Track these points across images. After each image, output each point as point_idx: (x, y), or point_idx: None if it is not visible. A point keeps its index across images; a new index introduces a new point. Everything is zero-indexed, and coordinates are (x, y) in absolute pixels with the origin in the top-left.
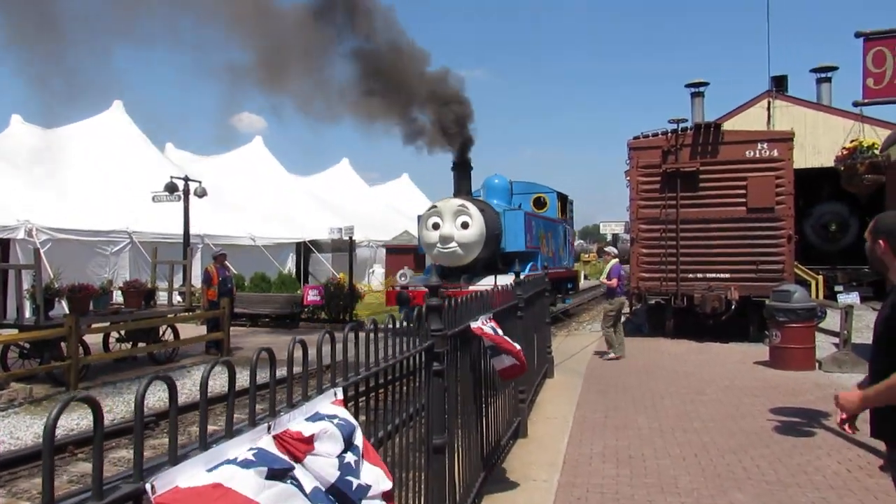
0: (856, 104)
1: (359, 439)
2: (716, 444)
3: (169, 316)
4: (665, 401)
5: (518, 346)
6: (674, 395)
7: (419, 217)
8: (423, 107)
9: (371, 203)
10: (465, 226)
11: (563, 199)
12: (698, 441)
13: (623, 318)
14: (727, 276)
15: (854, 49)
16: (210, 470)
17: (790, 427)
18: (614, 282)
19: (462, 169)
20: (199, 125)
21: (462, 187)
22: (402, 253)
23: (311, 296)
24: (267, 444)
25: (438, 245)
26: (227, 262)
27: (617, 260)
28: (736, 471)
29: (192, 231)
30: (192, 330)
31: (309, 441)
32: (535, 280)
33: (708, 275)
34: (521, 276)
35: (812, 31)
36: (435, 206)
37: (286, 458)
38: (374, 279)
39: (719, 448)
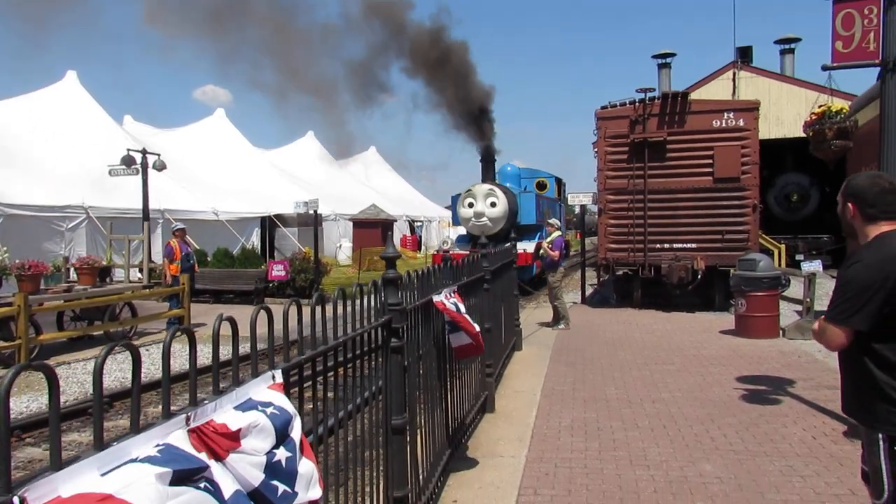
0: (824, 68)
1: (296, 431)
2: (684, 414)
3: (126, 293)
4: (633, 371)
5: (477, 328)
6: (642, 366)
7: (453, 198)
8: (468, 115)
9: (338, 177)
10: (493, 205)
11: (559, 182)
12: (666, 412)
13: (591, 290)
14: (693, 246)
15: (816, 20)
16: (105, 474)
17: (756, 395)
18: (557, 254)
19: (488, 161)
20: (161, 97)
21: (488, 174)
22: (369, 227)
23: (276, 271)
24: (178, 439)
25: (473, 219)
26: (187, 237)
27: (560, 232)
28: (704, 441)
29: (152, 206)
30: (153, 308)
31: (235, 436)
32: (502, 252)
33: (675, 245)
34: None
35: (776, 2)
36: (470, 190)
37: (201, 455)
38: (342, 253)
39: (687, 418)
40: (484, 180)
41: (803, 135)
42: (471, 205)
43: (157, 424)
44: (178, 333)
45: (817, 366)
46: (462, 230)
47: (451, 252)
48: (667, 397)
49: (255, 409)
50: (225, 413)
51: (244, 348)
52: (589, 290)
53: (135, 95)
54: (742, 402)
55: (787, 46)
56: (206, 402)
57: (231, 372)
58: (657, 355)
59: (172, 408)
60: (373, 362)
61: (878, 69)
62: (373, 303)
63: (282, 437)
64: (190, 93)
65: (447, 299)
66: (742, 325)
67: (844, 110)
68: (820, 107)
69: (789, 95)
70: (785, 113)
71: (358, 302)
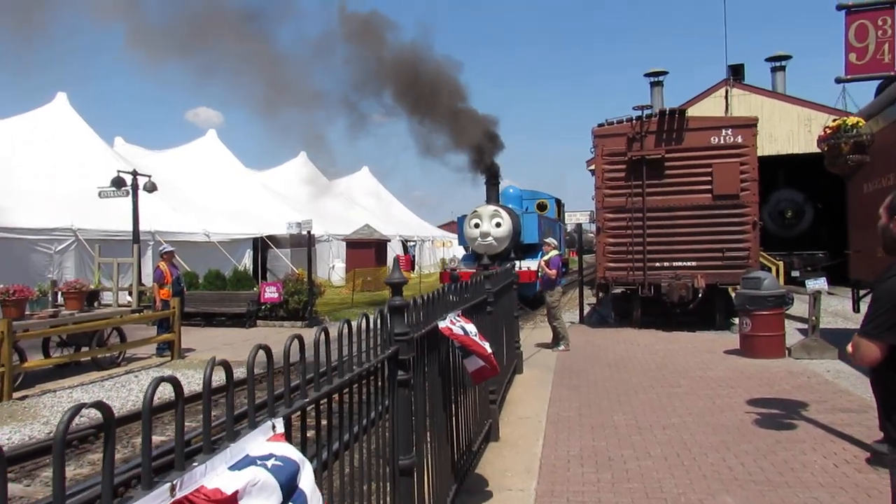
0: (838, 81)
1: (306, 480)
2: (697, 441)
3: (114, 318)
4: (639, 395)
5: (488, 349)
6: (647, 389)
7: (459, 218)
8: (471, 143)
9: (331, 197)
10: (498, 225)
11: (559, 203)
12: (678, 438)
13: (588, 309)
14: (693, 263)
15: (807, 38)
16: None
17: (770, 420)
18: (554, 272)
19: (493, 184)
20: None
21: (492, 196)
22: (362, 247)
23: (269, 293)
24: None
25: (479, 239)
26: (175, 259)
27: (557, 252)
28: (721, 471)
29: (143, 227)
30: (143, 332)
31: (231, 501)
32: (503, 273)
33: (674, 263)
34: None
35: (767, 20)
36: (476, 211)
37: None
38: (336, 274)
39: (701, 446)
40: (488, 202)
41: (796, 151)
42: (476, 225)
43: (136, 500)
44: (164, 379)
45: (829, 387)
46: (458, 249)
47: (458, 270)
48: (677, 423)
49: (254, 465)
50: (218, 476)
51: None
52: (587, 309)
53: (127, 117)
54: (756, 427)
55: (778, 64)
56: (195, 464)
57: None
58: (663, 377)
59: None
60: (379, 396)
61: (876, 82)
62: (376, 327)
63: (289, 490)
64: (182, 115)
65: (453, 324)
66: (747, 344)
67: (861, 124)
68: (834, 120)
69: (781, 112)
70: (777, 130)
71: (361, 329)
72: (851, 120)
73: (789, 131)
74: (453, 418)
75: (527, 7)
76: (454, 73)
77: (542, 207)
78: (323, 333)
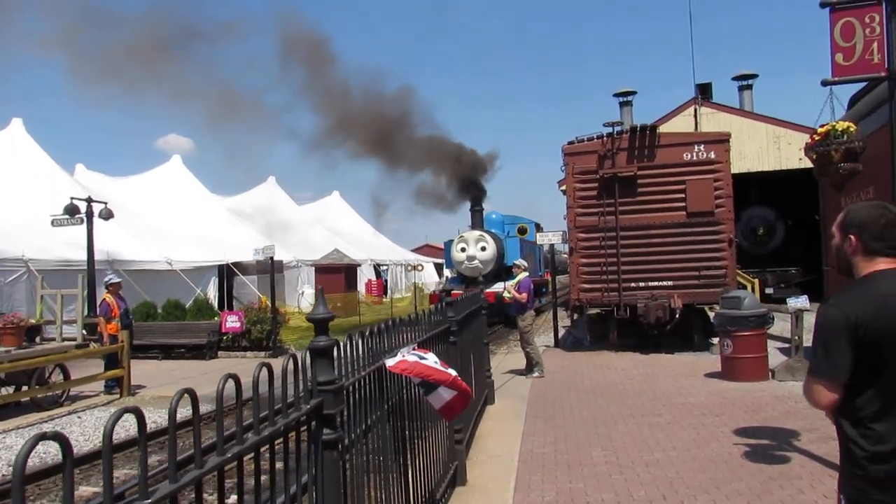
0: (825, 83)
1: None
2: (684, 480)
3: (56, 354)
4: (619, 426)
5: (452, 372)
6: (627, 419)
7: (446, 243)
8: (456, 174)
9: (301, 222)
10: (483, 249)
11: (538, 227)
12: (663, 477)
13: (563, 331)
14: (670, 283)
15: (772, 58)
16: None
17: (761, 452)
18: (525, 296)
19: (477, 211)
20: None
21: (477, 222)
22: (332, 272)
23: (230, 322)
24: None
25: (465, 262)
26: (121, 292)
27: (527, 273)
28: None
29: (100, 257)
30: (93, 368)
31: None
32: (470, 297)
33: (650, 283)
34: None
35: (733, 39)
36: (462, 236)
37: None
38: (305, 301)
39: (689, 485)
40: (473, 227)
41: (766, 168)
42: (463, 249)
43: None
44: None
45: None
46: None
47: (451, 292)
48: (661, 458)
49: None
50: None
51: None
52: (562, 332)
53: (98, 147)
54: (746, 461)
55: (745, 83)
56: None
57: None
58: (642, 405)
59: None
60: (307, 460)
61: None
62: (303, 371)
63: None
64: (152, 143)
65: (407, 355)
66: (729, 367)
67: (852, 129)
68: (822, 126)
69: (750, 130)
70: (747, 147)
71: (290, 371)
72: (842, 125)
73: (759, 149)
74: (408, 462)
75: (492, 31)
76: (426, 112)
77: (522, 231)
78: (230, 380)
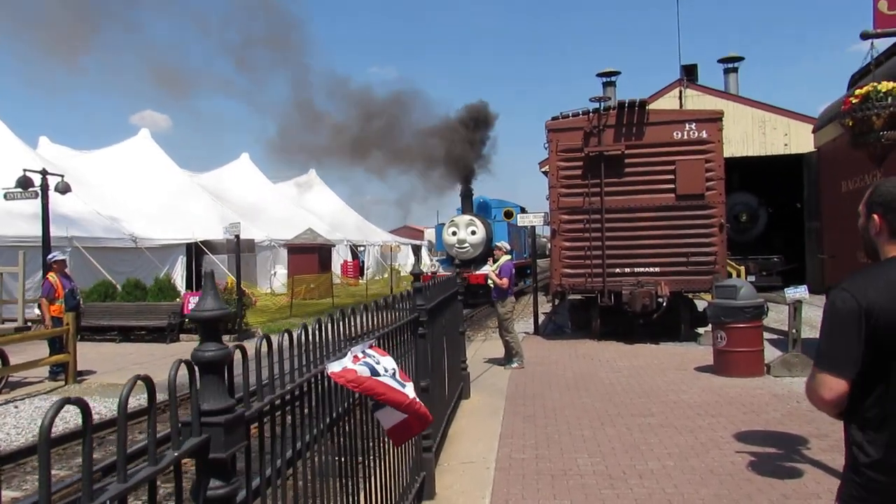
0: (864, 36)
1: None
2: (684, 496)
3: None
4: (606, 427)
5: (408, 394)
6: (615, 419)
7: (437, 226)
8: (449, 158)
9: (275, 200)
10: (473, 233)
11: (523, 210)
12: (660, 493)
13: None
14: (657, 269)
15: (759, 42)
16: None
17: (768, 462)
18: (505, 281)
19: (467, 197)
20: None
21: (467, 208)
22: (305, 252)
23: (193, 304)
24: None
25: (456, 246)
26: (67, 270)
27: (509, 257)
28: None
29: (59, 233)
30: (36, 352)
31: None
32: (444, 283)
33: (636, 269)
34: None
35: (719, 21)
36: (453, 220)
37: None
38: (277, 281)
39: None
40: (463, 212)
41: (750, 153)
42: (454, 233)
43: None
44: None
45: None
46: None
47: (438, 273)
48: (656, 468)
49: None
50: None
51: None
52: (541, 318)
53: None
54: (754, 474)
55: (730, 66)
56: None
57: None
58: (631, 402)
59: None
60: None
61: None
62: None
63: None
64: (127, 118)
65: (356, 361)
66: (722, 361)
67: None
68: (862, 87)
69: (735, 114)
70: (731, 131)
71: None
72: (886, 85)
73: (744, 133)
74: (364, 487)
75: (474, 12)
76: (416, 101)
77: (508, 215)
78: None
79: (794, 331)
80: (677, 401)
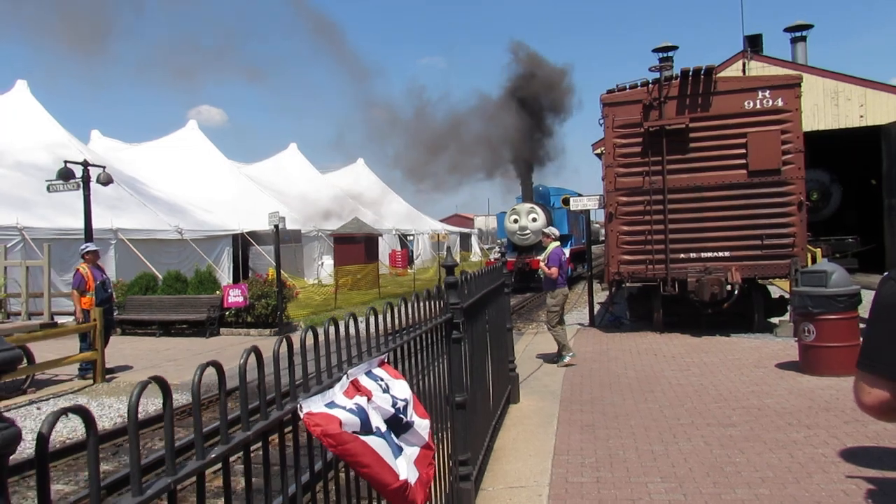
0: None
1: None
2: None
3: (16, 335)
4: (679, 440)
5: (402, 473)
6: (690, 430)
7: (499, 215)
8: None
9: (324, 191)
10: (534, 220)
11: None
12: None
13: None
14: (727, 254)
15: (826, 6)
16: None
17: (892, 491)
18: (555, 271)
19: (528, 184)
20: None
21: (527, 195)
22: (350, 242)
23: (233, 297)
24: None
25: (518, 233)
26: (100, 262)
27: (558, 243)
28: None
29: (103, 225)
30: (69, 348)
31: None
32: (489, 273)
33: (703, 254)
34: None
35: None
36: (514, 208)
37: None
38: (324, 271)
39: None
40: (524, 200)
41: (822, 127)
42: (515, 220)
43: None
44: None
45: None
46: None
47: (503, 260)
48: (748, 499)
49: None
50: None
51: None
52: (597, 308)
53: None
54: None
55: (798, 34)
56: None
57: None
58: (706, 408)
59: None
60: None
61: None
62: None
63: None
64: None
65: (351, 395)
66: (810, 358)
67: None
68: None
69: (805, 85)
70: (801, 104)
71: None
72: None
73: (814, 105)
74: None
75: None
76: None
77: (566, 202)
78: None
79: None
80: (761, 406)
